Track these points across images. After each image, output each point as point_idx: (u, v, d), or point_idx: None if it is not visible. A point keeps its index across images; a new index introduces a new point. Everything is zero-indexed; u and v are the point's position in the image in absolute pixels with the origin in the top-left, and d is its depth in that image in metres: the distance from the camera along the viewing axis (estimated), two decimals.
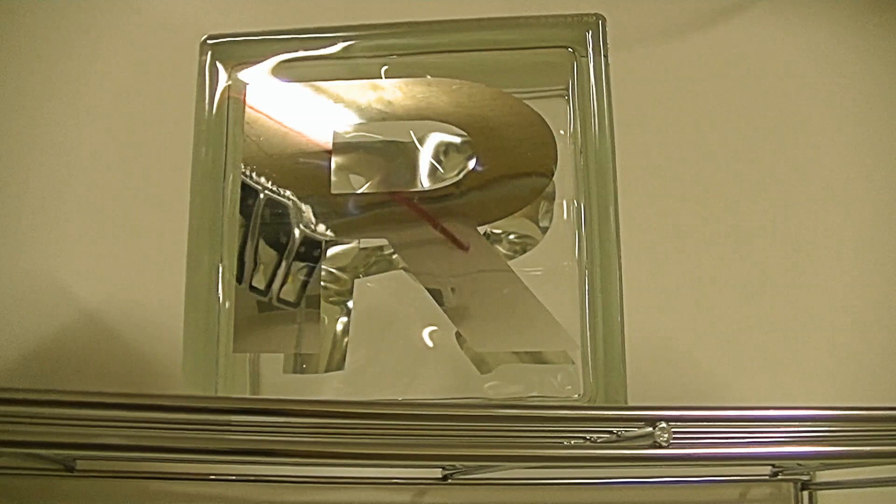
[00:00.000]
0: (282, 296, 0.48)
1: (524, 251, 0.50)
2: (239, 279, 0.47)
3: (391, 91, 0.48)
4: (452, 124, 0.48)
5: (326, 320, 0.49)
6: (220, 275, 0.47)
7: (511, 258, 0.50)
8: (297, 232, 0.47)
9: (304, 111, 0.48)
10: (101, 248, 0.66)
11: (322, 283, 0.48)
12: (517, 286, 0.46)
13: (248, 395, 0.50)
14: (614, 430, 0.37)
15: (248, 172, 0.47)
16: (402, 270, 0.47)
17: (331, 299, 0.50)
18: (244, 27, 0.50)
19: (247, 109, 0.48)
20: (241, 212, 0.47)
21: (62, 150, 0.67)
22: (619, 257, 0.46)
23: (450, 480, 0.64)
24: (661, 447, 0.35)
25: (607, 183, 0.46)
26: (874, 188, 0.71)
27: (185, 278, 0.47)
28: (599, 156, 0.46)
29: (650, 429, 0.35)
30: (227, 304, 0.47)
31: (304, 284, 0.47)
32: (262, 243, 0.47)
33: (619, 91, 0.53)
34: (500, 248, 0.51)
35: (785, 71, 0.73)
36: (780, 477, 0.66)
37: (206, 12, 0.64)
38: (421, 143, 0.48)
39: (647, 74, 0.70)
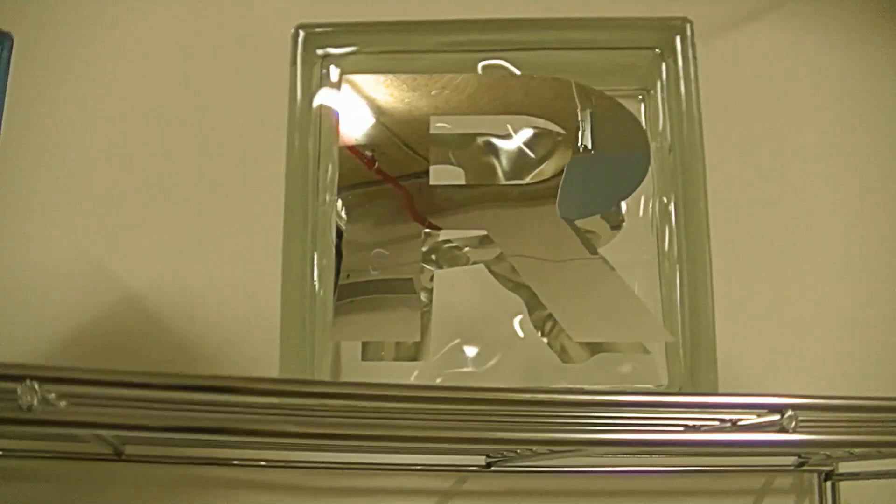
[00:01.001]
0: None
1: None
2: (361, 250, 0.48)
3: (486, 86, 0.49)
4: (548, 119, 0.49)
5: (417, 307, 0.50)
6: (315, 263, 0.48)
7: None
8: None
9: (401, 102, 0.49)
10: (153, 235, 0.66)
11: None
12: (612, 278, 0.47)
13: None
14: (725, 417, 0.38)
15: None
16: (481, 265, 0.48)
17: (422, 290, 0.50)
18: (335, 17, 0.51)
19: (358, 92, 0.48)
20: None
21: (121, 134, 0.67)
22: (710, 252, 0.47)
23: (493, 468, 0.65)
24: (787, 432, 0.36)
25: (697, 180, 0.48)
26: None
27: (282, 267, 0.48)
28: (689, 154, 0.48)
29: (777, 416, 0.36)
30: (321, 292, 0.48)
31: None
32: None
33: None
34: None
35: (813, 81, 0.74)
36: (804, 468, 0.69)
37: (294, 3, 0.64)
38: (518, 136, 0.49)
39: None
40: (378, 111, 0.49)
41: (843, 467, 0.69)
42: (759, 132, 0.73)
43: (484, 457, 0.65)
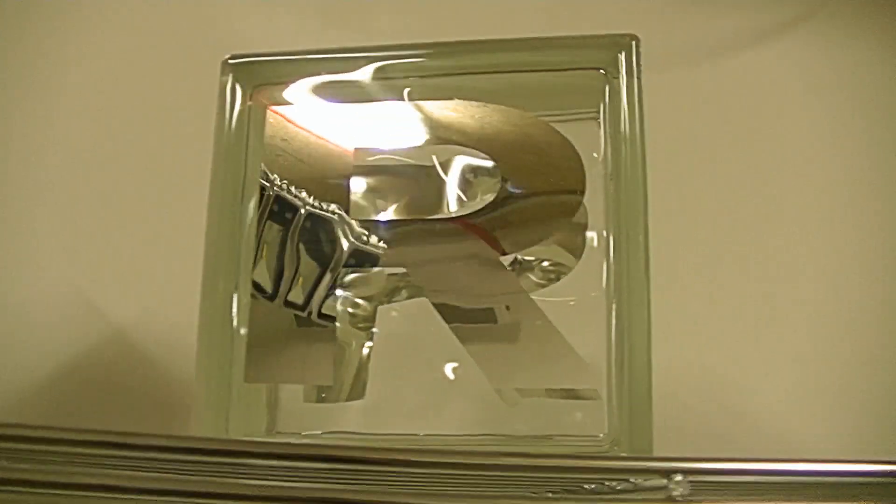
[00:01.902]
0: (323, 310, 0.46)
1: (558, 279, 0.48)
2: (273, 296, 0.46)
3: (415, 114, 0.46)
4: (478, 149, 0.46)
5: (352, 346, 0.48)
6: (236, 299, 0.46)
7: (544, 286, 0.48)
8: (345, 244, 0.46)
9: (327, 133, 0.47)
10: (131, 266, 0.66)
11: (347, 309, 0.47)
12: (541, 320, 0.44)
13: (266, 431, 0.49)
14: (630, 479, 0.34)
15: (285, 186, 0.46)
16: (425, 298, 0.45)
17: (358, 325, 0.48)
18: (268, 47, 0.49)
19: (282, 124, 0.46)
20: (278, 223, 0.46)
21: (84, 165, 0.67)
22: (649, 290, 0.43)
23: None
24: (675, 501, 0.32)
25: (637, 211, 0.44)
26: None
27: (200, 303, 0.46)
28: (629, 182, 0.44)
29: (664, 481, 0.32)
30: (241, 331, 0.46)
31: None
32: (303, 256, 0.46)
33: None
34: (533, 276, 0.49)
35: (778, 102, 0.69)
36: None
37: (229, 31, 0.63)
38: (445, 167, 0.46)
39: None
40: (301, 143, 0.47)
41: None
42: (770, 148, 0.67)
43: None
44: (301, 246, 0.46)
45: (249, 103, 0.48)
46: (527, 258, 0.49)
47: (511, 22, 0.53)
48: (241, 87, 0.48)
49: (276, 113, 0.47)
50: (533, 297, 0.46)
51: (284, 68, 0.48)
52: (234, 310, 0.46)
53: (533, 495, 0.35)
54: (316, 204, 0.46)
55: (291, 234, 0.46)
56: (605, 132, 0.45)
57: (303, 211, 0.46)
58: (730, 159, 0.68)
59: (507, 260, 0.48)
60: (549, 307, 0.46)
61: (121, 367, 0.64)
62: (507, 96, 0.46)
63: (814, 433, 0.63)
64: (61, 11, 0.71)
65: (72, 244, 0.67)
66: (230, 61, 0.48)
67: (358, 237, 0.46)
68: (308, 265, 0.46)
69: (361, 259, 0.46)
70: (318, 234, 0.46)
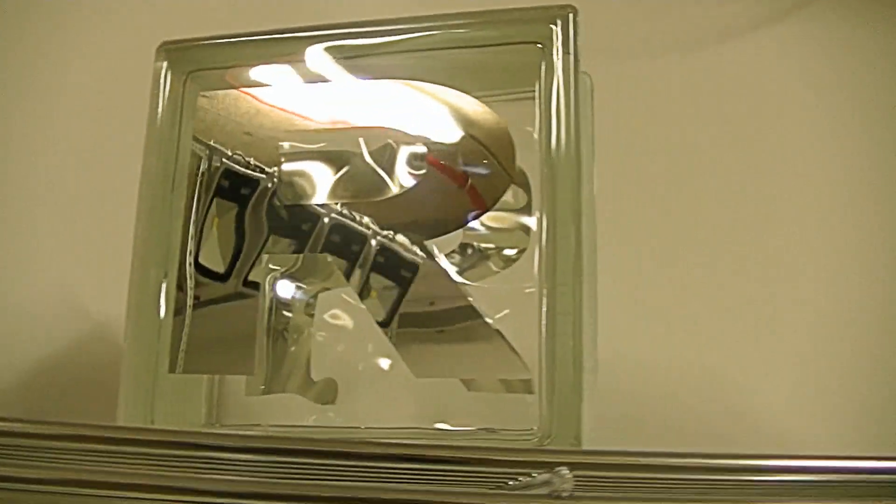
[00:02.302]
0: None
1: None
2: (220, 276, 0.45)
3: (345, 96, 0.45)
4: (408, 131, 0.44)
5: (295, 336, 0.47)
6: (165, 289, 0.45)
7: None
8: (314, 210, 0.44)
9: (254, 118, 0.45)
10: (112, 264, 0.65)
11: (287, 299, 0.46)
12: (465, 307, 0.42)
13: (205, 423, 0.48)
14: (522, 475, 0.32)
15: (242, 158, 0.45)
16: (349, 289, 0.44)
17: (306, 313, 0.47)
18: (208, 32, 0.48)
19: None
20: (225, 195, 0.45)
21: (58, 167, 0.67)
22: (580, 277, 0.41)
23: None
24: (560, 497, 0.30)
25: (571, 194, 0.41)
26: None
27: (128, 293, 0.45)
28: (563, 164, 0.42)
29: (549, 475, 0.30)
30: (170, 321, 0.45)
31: None
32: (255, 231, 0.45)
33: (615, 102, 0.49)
34: (492, 264, 0.47)
35: (777, 95, 0.65)
36: None
37: (167, 18, 0.62)
38: (371, 152, 0.44)
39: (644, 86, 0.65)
40: (234, 128, 0.45)
41: None
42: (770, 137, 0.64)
43: None
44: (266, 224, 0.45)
45: (183, 90, 0.46)
46: (486, 245, 0.47)
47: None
48: (175, 72, 0.47)
49: (208, 98, 0.46)
50: (476, 285, 0.44)
51: (219, 53, 0.47)
52: (163, 299, 0.45)
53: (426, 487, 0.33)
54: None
55: (251, 212, 0.45)
56: (538, 110, 0.43)
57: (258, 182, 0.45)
58: (727, 152, 0.65)
59: (464, 247, 0.46)
60: (489, 297, 0.44)
61: (103, 363, 0.64)
62: (445, 75, 0.44)
63: (813, 432, 0.60)
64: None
65: (54, 243, 0.67)
66: (165, 47, 0.47)
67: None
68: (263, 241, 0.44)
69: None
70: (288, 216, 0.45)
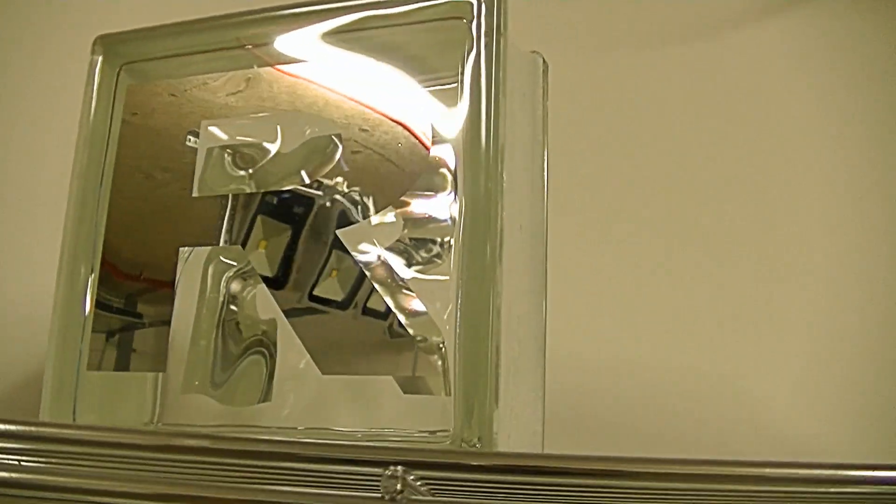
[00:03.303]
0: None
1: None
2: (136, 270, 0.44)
3: (266, 82, 0.43)
4: (323, 116, 0.42)
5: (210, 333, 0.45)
6: (89, 286, 0.44)
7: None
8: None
9: (175, 108, 0.44)
10: None
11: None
12: (376, 302, 0.39)
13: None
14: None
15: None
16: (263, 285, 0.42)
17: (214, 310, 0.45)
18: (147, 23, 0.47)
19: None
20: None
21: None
22: (496, 274, 0.38)
23: None
24: (393, 500, 0.27)
25: (488, 184, 0.38)
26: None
27: (56, 289, 0.44)
28: (485, 154, 0.39)
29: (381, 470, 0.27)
30: (91, 318, 0.44)
31: None
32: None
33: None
34: (423, 253, 0.44)
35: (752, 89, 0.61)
36: None
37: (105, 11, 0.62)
38: (287, 140, 0.42)
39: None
40: (157, 120, 0.44)
41: None
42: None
43: None
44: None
45: (115, 83, 0.45)
46: (420, 237, 0.44)
47: None
48: (109, 64, 0.46)
49: (137, 90, 0.45)
50: (408, 276, 0.42)
51: (151, 44, 0.46)
52: (89, 294, 0.44)
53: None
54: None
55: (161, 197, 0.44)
56: (460, 94, 0.40)
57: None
58: (727, 145, 0.61)
59: (396, 237, 0.43)
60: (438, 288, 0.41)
61: None
62: (372, 56, 0.42)
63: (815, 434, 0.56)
64: None
65: (52, 245, 0.67)
66: (99, 40, 0.46)
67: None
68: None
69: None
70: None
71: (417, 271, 0.40)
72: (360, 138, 0.41)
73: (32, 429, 0.36)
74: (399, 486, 0.27)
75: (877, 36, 0.60)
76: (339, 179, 0.41)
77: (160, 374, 0.43)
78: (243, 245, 0.42)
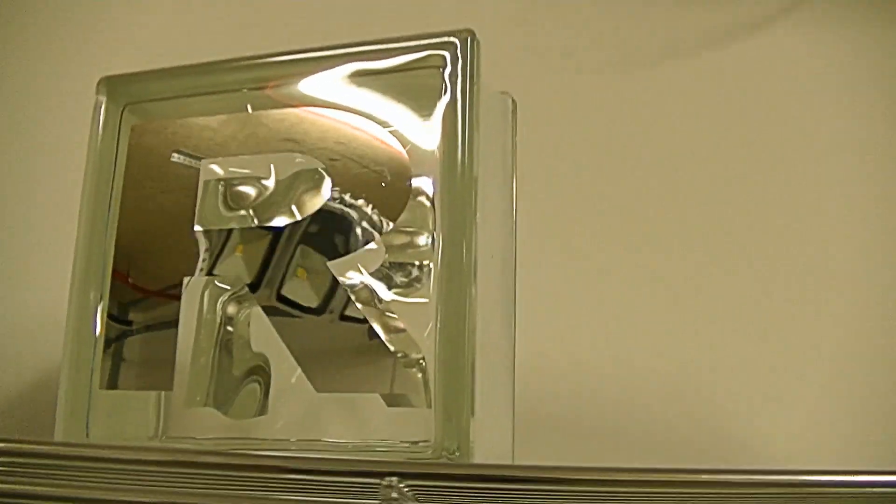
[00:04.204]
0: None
1: None
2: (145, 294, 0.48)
3: (258, 124, 0.47)
4: (313, 155, 0.46)
5: (210, 352, 0.49)
6: (101, 309, 0.48)
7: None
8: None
9: (175, 147, 0.48)
10: None
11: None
12: (361, 325, 0.43)
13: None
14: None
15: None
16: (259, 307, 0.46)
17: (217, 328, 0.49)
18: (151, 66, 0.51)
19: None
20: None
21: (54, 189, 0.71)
22: (471, 297, 0.42)
23: None
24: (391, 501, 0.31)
25: (463, 212, 0.43)
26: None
27: (67, 312, 0.48)
28: (458, 183, 0.43)
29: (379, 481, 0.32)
30: (102, 339, 0.48)
31: None
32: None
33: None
34: (400, 276, 0.48)
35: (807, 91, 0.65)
36: None
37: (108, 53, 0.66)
38: (280, 177, 0.46)
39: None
40: (154, 160, 0.48)
41: None
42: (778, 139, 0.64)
43: None
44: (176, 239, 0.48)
45: (119, 121, 0.49)
46: (401, 261, 0.48)
47: (359, 24, 0.53)
48: (113, 104, 0.50)
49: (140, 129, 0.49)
50: (389, 299, 0.46)
51: (154, 86, 0.50)
52: (99, 317, 0.48)
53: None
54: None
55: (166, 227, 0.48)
56: (441, 133, 0.44)
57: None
58: (722, 156, 0.65)
59: (379, 263, 0.48)
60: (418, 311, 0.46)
61: None
62: (355, 101, 0.46)
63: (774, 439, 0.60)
64: None
65: (48, 261, 0.71)
66: (104, 81, 0.50)
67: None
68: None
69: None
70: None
71: (398, 294, 0.45)
72: (346, 174, 0.45)
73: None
74: (395, 495, 0.31)
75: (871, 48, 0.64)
76: (328, 212, 0.45)
77: (163, 393, 0.47)
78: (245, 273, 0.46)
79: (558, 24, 0.69)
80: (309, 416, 0.45)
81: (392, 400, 0.44)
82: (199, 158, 0.48)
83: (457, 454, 0.41)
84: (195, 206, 0.47)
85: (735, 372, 0.61)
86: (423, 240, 0.45)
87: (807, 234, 0.61)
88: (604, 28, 0.68)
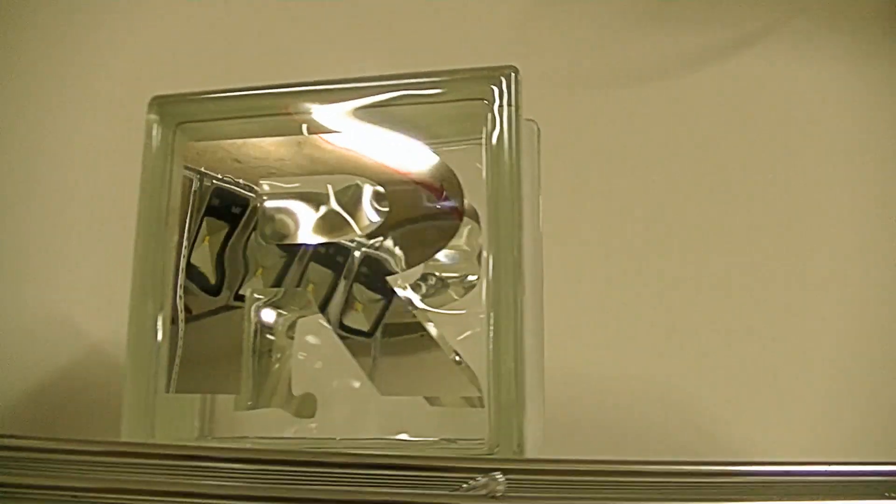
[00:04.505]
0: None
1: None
2: (208, 304, 0.51)
3: (314, 147, 0.51)
4: (368, 178, 0.50)
5: (275, 357, 0.53)
6: (161, 318, 0.51)
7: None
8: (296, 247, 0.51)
9: (233, 168, 0.51)
10: (105, 288, 0.71)
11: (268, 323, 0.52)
12: (422, 333, 0.48)
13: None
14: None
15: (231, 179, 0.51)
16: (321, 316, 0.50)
17: (285, 336, 0.53)
18: (197, 87, 0.54)
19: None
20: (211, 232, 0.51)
21: (59, 198, 0.73)
22: (521, 304, 0.47)
23: None
24: (495, 497, 0.36)
25: (512, 231, 0.47)
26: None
27: (129, 322, 0.51)
28: (506, 205, 0.48)
29: (486, 479, 0.36)
30: (166, 346, 0.51)
31: None
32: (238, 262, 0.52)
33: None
34: (453, 292, 0.53)
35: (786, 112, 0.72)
36: None
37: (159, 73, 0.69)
38: (338, 196, 0.50)
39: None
40: (223, 155, 0.52)
41: None
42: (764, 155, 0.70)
43: None
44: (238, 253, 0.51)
45: (172, 140, 0.52)
46: (447, 274, 0.53)
47: (409, 56, 0.57)
48: (165, 123, 0.53)
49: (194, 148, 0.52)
50: (435, 310, 0.51)
51: (205, 106, 0.53)
52: (160, 325, 0.51)
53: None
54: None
55: (227, 242, 0.51)
56: (485, 158, 0.49)
57: (241, 219, 0.51)
58: (724, 162, 0.71)
59: (423, 277, 0.52)
60: (449, 320, 0.50)
61: (95, 380, 0.70)
62: (403, 126, 0.50)
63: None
64: None
65: (51, 268, 0.73)
66: (156, 100, 0.53)
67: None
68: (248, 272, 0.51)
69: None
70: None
71: (448, 304, 0.50)
72: (402, 194, 0.49)
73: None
74: (499, 488, 0.36)
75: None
76: (384, 230, 0.49)
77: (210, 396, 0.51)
78: (297, 285, 0.50)
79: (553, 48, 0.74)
80: (373, 417, 0.50)
81: (447, 402, 0.49)
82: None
83: (516, 451, 0.45)
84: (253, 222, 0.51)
85: (734, 380, 0.67)
86: (471, 255, 0.50)
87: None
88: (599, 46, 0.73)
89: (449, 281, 0.53)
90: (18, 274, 0.72)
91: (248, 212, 0.51)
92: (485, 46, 0.74)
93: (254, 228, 0.51)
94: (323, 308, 0.50)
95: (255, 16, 0.79)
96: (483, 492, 0.36)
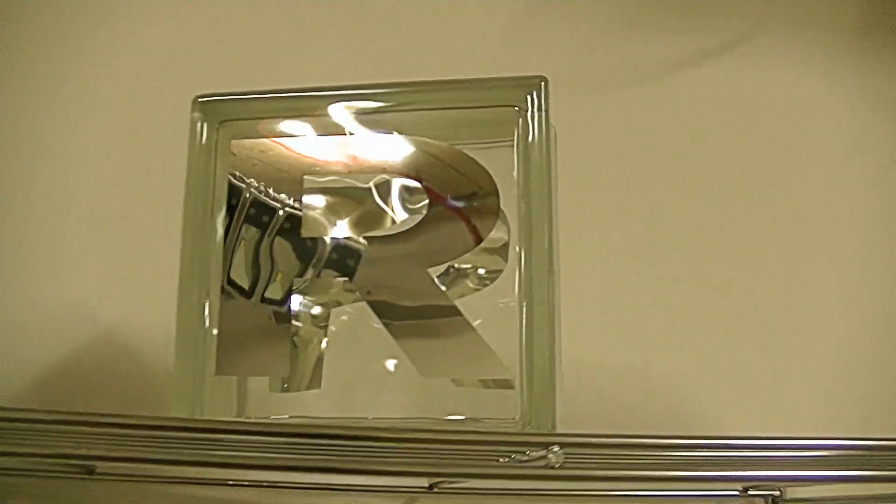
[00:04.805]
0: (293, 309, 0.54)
1: (492, 283, 0.56)
2: (250, 293, 0.54)
3: (357, 146, 0.54)
4: (408, 176, 0.54)
5: (311, 343, 0.56)
6: (208, 304, 0.54)
7: (478, 290, 0.56)
8: (328, 240, 0.54)
9: (277, 165, 0.55)
10: (117, 275, 0.74)
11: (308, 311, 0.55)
12: (460, 321, 0.52)
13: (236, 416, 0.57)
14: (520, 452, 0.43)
15: (263, 188, 0.54)
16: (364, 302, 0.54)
17: (318, 325, 0.56)
18: (237, 86, 0.57)
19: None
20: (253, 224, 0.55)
21: (75, 186, 0.75)
22: (552, 297, 0.51)
23: (435, 490, 0.70)
24: (553, 468, 0.40)
25: (543, 228, 0.52)
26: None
27: (177, 308, 0.54)
28: (538, 203, 0.52)
29: (543, 452, 0.40)
30: (213, 331, 0.54)
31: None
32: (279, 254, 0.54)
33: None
34: (469, 282, 0.57)
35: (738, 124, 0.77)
36: (750, 493, 0.70)
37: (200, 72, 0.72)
38: (379, 191, 0.54)
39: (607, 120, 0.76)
40: (256, 173, 0.55)
41: (793, 493, 0.71)
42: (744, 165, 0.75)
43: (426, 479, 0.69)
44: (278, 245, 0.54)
45: (216, 137, 0.55)
46: (464, 266, 0.57)
47: (443, 65, 0.61)
48: (209, 122, 0.56)
49: (239, 146, 0.55)
50: (466, 299, 0.54)
51: (246, 106, 0.56)
52: (206, 313, 0.54)
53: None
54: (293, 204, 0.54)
55: (269, 235, 0.54)
56: (517, 159, 0.53)
57: (281, 212, 0.54)
58: (725, 163, 0.75)
59: (443, 268, 0.56)
60: (479, 309, 0.54)
61: (108, 363, 0.73)
62: (438, 129, 0.54)
63: None
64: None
65: (65, 256, 0.75)
66: (199, 100, 0.56)
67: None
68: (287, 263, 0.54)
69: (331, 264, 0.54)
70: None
71: (485, 292, 0.54)
72: (435, 194, 0.53)
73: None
74: (558, 459, 0.40)
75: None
76: (424, 227, 0.53)
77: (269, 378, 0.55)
78: (350, 279, 0.54)
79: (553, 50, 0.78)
80: (416, 398, 0.53)
81: (474, 383, 0.53)
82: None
83: (551, 428, 0.50)
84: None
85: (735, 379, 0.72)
86: (505, 249, 0.54)
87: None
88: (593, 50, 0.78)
89: (467, 272, 0.57)
90: (31, 264, 0.74)
91: (289, 205, 0.54)
92: (485, 47, 0.77)
93: (294, 221, 0.54)
94: (361, 295, 0.53)
95: (254, 16, 0.82)
96: (541, 463, 0.40)
